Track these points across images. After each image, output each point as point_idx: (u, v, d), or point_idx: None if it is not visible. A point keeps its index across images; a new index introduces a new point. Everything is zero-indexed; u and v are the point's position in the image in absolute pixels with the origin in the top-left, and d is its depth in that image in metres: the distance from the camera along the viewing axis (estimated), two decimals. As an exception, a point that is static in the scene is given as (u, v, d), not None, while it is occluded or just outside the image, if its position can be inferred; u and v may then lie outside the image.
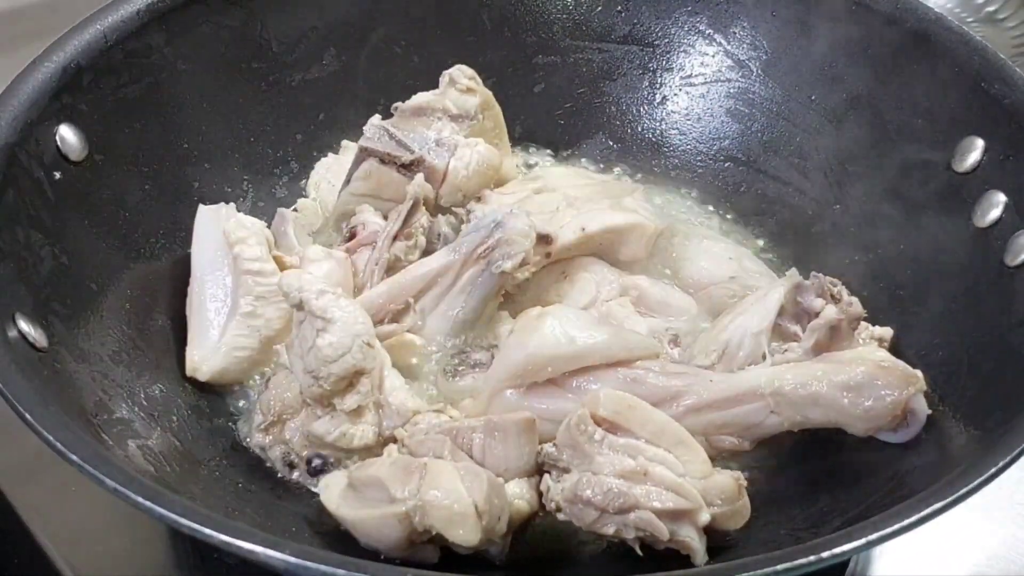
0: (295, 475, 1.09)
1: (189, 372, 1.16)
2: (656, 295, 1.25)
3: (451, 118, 1.35)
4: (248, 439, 1.13)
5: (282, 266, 1.21)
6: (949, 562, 1.15)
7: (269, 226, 1.29)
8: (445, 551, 0.96)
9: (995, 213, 1.13)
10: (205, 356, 1.16)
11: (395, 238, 1.24)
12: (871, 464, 1.04)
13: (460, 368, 1.17)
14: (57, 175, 1.11)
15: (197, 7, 1.31)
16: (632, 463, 0.95)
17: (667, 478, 0.95)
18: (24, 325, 0.97)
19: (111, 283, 1.15)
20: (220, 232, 1.20)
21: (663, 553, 0.95)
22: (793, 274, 1.18)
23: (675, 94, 1.53)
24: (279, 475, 1.09)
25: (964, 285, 1.14)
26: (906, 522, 0.81)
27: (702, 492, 0.95)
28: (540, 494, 0.99)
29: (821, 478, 1.08)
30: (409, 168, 1.30)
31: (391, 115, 1.37)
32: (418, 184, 1.27)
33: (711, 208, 1.47)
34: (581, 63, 1.55)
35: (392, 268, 1.22)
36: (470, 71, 1.38)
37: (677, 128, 1.53)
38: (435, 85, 1.39)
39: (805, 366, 1.07)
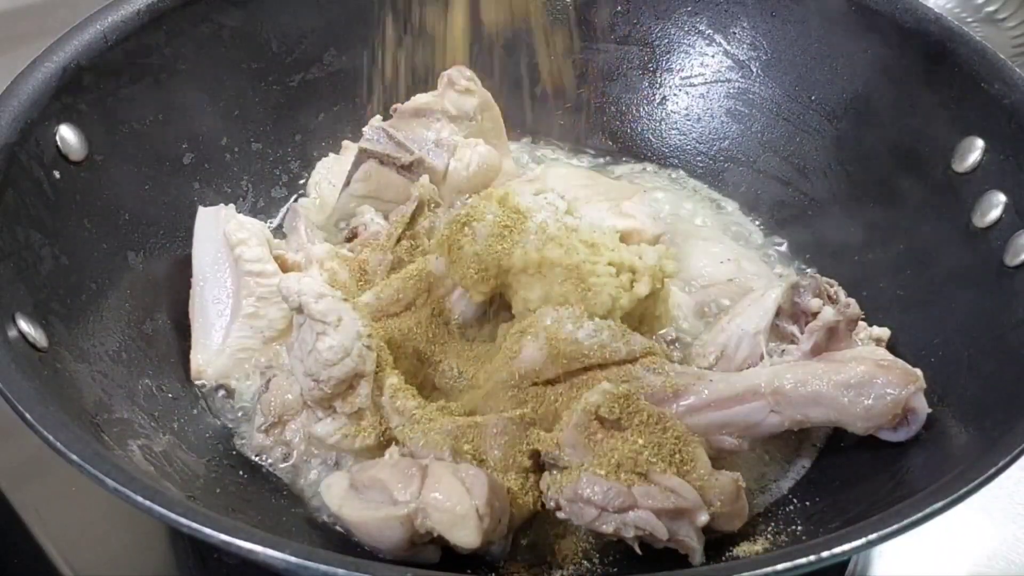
0: (295, 475, 1.09)
1: (194, 376, 1.16)
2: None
3: (450, 119, 1.35)
4: (249, 440, 1.13)
5: (284, 266, 1.21)
6: (949, 562, 1.15)
7: (269, 226, 1.29)
8: (446, 550, 0.96)
9: (995, 213, 1.13)
10: (209, 359, 1.16)
11: (399, 239, 1.24)
12: (871, 464, 1.04)
13: (462, 368, 1.17)
14: (57, 175, 1.12)
15: (197, 7, 1.31)
16: (632, 463, 0.95)
17: (666, 478, 0.95)
18: (24, 325, 0.97)
19: (111, 283, 1.15)
20: (220, 234, 1.20)
21: (662, 552, 0.95)
22: (790, 275, 1.19)
23: (675, 94, 1.53)
24: (279, 475, 1.09)
25: (964, 285, 1.14)
26: (906, 522, 0.81)
27: (701, 492, 0.95)
28: (540, 492, 0.99)
29: (821, 478, 1.08)
30: (408, 169, 1.30)
31: (391, 116, 1.37)
32: (423, 185, 1.27)
33: (711, 209, 1.47)
34: (581, 63, 1.55)
35: (395, 269, 1.22)
36: (469, 72, 1.38)
37: (677, 128, 1.53)
38: (435, 86, 1.39)
39: (805, 365, 1.07)
